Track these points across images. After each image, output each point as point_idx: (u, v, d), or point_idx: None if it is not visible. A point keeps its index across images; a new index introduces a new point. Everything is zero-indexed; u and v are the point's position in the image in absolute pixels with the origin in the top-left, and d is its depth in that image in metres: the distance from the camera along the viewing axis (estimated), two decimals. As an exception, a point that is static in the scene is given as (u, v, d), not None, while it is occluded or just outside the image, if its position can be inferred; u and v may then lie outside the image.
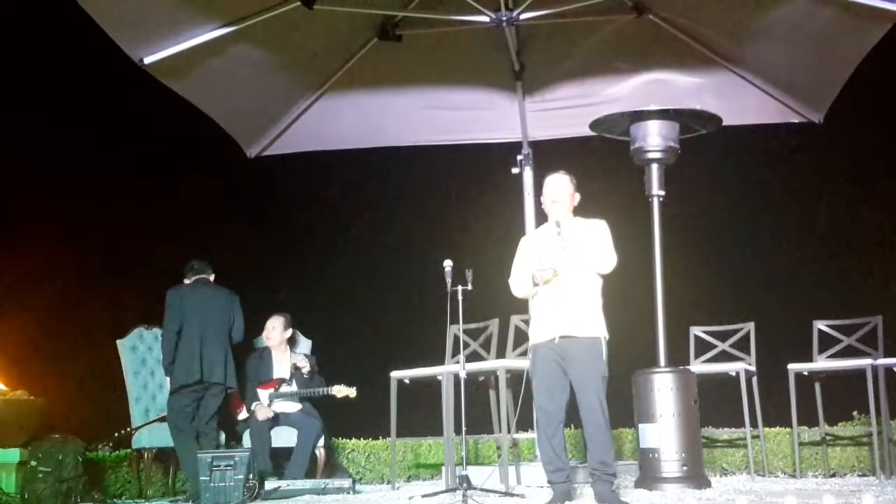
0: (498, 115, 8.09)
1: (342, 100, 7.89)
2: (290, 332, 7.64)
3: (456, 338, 7.01)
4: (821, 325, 7.32)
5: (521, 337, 6.81)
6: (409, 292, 9.03)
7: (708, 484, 6.19)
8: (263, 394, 7.43)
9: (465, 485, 5.82)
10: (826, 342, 7.28)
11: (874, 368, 6.92)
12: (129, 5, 6.27)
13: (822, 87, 7.38)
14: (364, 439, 8.33)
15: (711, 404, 7.07)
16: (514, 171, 7.56)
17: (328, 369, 7.64)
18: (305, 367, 7.50)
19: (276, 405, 7.41)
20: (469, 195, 9.21)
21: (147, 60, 6.53)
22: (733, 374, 7.19)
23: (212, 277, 7.24)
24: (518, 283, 5.65)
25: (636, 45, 7.58)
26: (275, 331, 7.55)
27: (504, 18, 6.96)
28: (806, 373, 7.23)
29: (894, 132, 8.35)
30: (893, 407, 7.00)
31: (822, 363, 7.22)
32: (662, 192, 6.45)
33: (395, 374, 7.10)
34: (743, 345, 7.39)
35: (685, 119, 6.53)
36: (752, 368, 7.27)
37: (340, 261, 9.57)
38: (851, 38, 6.71)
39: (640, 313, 6.58)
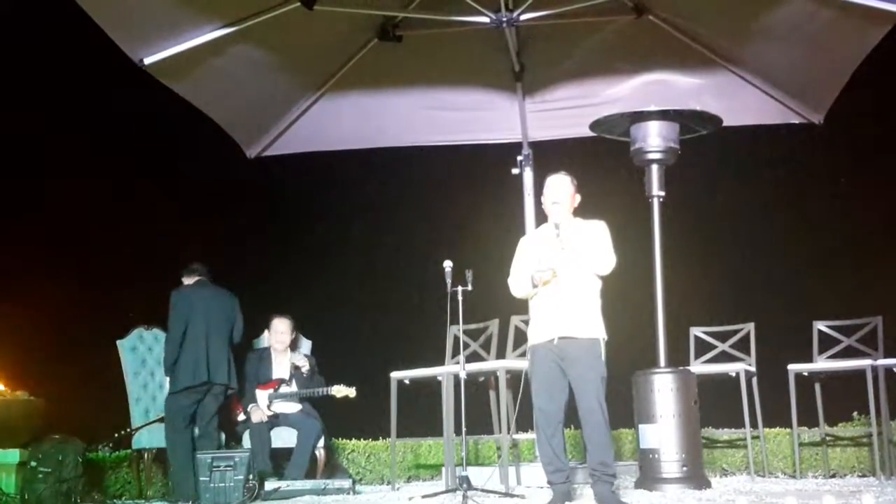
0: (498, 116, 8.10)
1: (342, 100, 7.89)
2: (294, 334, 7.64)
3: (456, 338, 7.01)
4: (821, 325, 7.32)
5: (521, 337, 6.81)
6: (409, 293, 9.03)
7: (708, 484, 6.19)
8: (262, 394, 7.43)
9: (465, 485, 5.82)
10: (826, 343, 7.28)
11: (874, 369, 6.92)
12: (128, 6, 6.27)
13: (822, 87, 7.38)
14: (364, 440, 8.33)
15: (711, 405, 7.07)
16: (515, 171, 7.57)
17: (328, 370, 7.64)
18: (305, 365, 7.50)
19: (275, 406, 7.41)
20: (469, 196, 9.21)
21: (147, 61, 6.53)
22: (733, 374, 7.18)
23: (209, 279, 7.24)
24: (517, 284, 5.66)
25: (636, 46, 7.58)
26: (284, 334, 7.55)
27: (504, 19, 6.97)
28: (806, 373, 7.23)
29: (894, 133, 8.35)
30: (893, 407, 6.99)
31: (822, 364, 7.22)
32: (662, 193, 6.45)
33: (395, 375, 7.10)
34: (743, 345, 7.39)
35: (685, 120, 6.53)
36: (752, 369, 7.27)
37: (340, 261, 9.58)
38: (851, 38, 6.71)
39: (640, 314, 6.58)
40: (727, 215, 9.09)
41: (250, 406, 7.34)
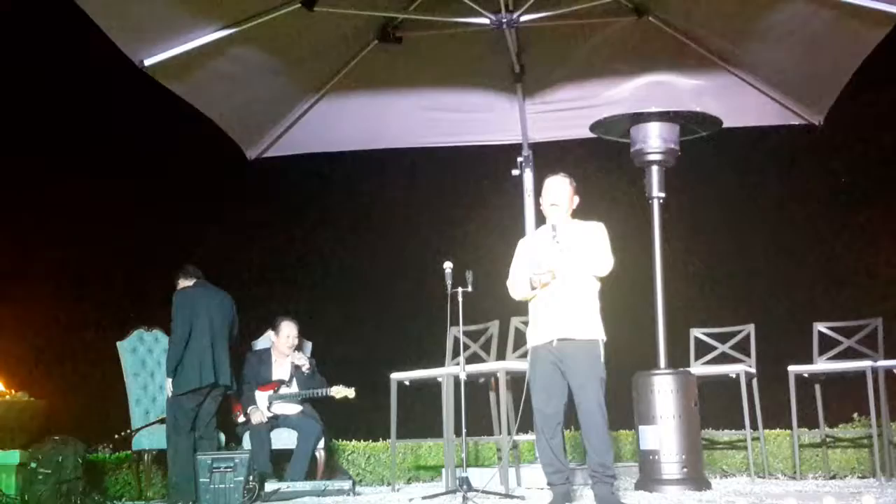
0: (498, 117, 8.10)
1: (343, 102, 7.89)
2: (299, 338, 7.65)
3: (456, 339, 7.01)
4: (821, 326, 7.32)
5: (522, 339, 6.81)
6: (410, 294, 9.03)
7: (708, 486, 6.19)
8: (262, 395, 7.43)
9: (465, 486, 5.83)
10: (826, 344, 7.27)
11: (874, 370, 6.92)
12: (129, 7, 6.27)
13: (822, 88, 7.38)
14: (364, 441, 8.33)
15: (711, 406, 7.08)
16: (515, 172, 7.56)
17: (328, 371, 7.64)
18: (305, 364, 7.50)
19: (275, 407, 7.41)
20: (469, 197, 9.23)
21: (147, 62, 6.53)
22: (733, 375, 7.18)
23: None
24: (516, 287, 5.66)
25: (636, 47, 7.58)
26: (293, 337, 7.54)
27: (504, 20, 6.97)
28: (806, 374, 7.22)
29: (894, 134, 8.36)
30: (893, 409, 6.99)
31: (822, 365, 7.22)
32: (662, 194, 6.45)
33: (396, 376, 7.10)
34: (743, 346, 7.38)
35: (685, 121, 6.53)
36: (753, 370, 7.26)
37: (341, 262, 9.59)
38: (851, 39, 6.72)
39: (640, 315, 6.58)
40: (727, 216, 9.09)
41: (250, 408, 7.34)
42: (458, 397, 6.17)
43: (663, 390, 6.18)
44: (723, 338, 7.49)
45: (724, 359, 7.42)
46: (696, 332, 7.59)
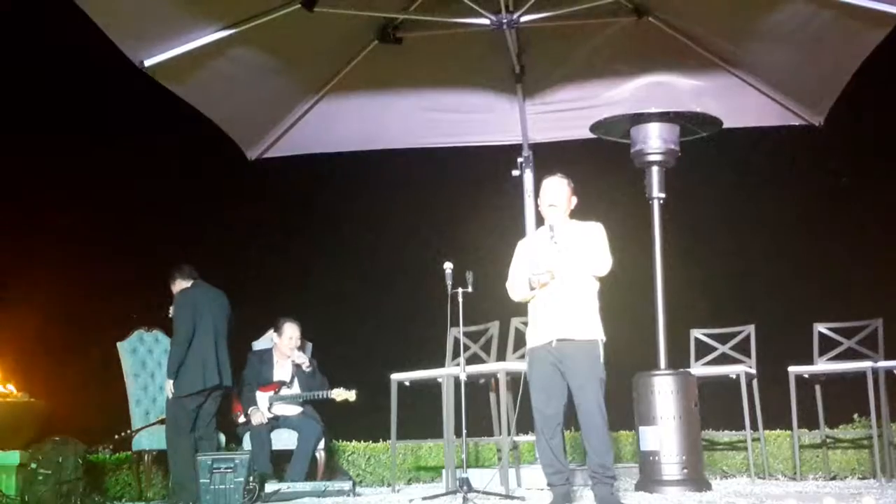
0: (498, 118, 8.10)
1: (343, 102, 7.89)
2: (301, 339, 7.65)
3: (456, 340, 7.01)
4: (821, 327, 7.31)
5: (522, 339, 6.80)
6: (410, 294, 9.03)
7: (708, 487, 6.19)
8: (263, 396, 7.43)
9: (465, 487, 5.83)
10: (826, 345, 7.27)
11: (874, 371, 6.92)
12: (129, 7, 6.27)
13: (822, 89, 7.38)
14: (364, 442, 8.33)
15: (712, 407, 7.07)
16: (515, 173, 7.55)
17: (329, 371, 7.64)
18: (305, 362, 7.49)
19: (276, 408, 7.40)
20: (469, 198, 9.22)
21: (147, 63, 6.52)
22: (734, 376, 7.18)
23: None
24: (515, 288, 5.66)
25: (636, 48, 7.58)
26: (296, 339, 7.54)
27: (505, 21, 6.97)
28: (806, 375, 7.22)
29: (894, 135, 8.35)
30: (894, 409, 6.99)
31: (822, 366, 7.22)
32: (663, 195, 6.45)
33: (396, 377, 7.10)
34: (743, 347, 7.38)
35: (685, 121, 6.53)
36: (753, 371, 7.26)
37: (340, 263, 9.58)
38: (852, 40, 6.72)
39: (640, 316, 6.58)
40: (727, 217, 9.09)
41: (251, 408, 7.34)
42: (459, 398, 6.17)
43: (663, 391, 6.18)
44: (723, 338, 7.49)
45: (724, 359, 7.42)
46: (697, 333, 7.59)
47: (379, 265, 9.53)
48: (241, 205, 9.44)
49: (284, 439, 7.34)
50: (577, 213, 5.68)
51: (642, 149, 6.44)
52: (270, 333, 7.70)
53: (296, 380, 7.51)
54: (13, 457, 6.84)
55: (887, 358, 6.99)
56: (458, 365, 6.54)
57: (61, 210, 8.78)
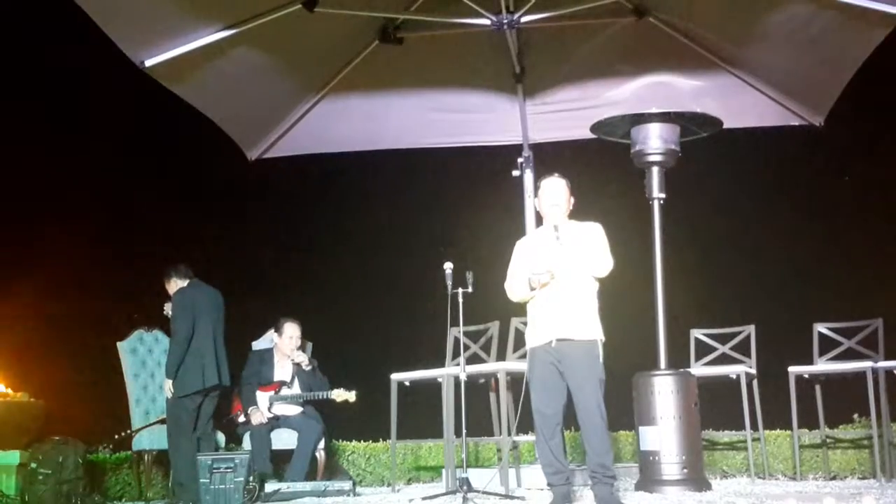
0: (498, 118, 8.10)
1: (343, 102, 7.89)
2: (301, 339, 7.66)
3: (456, 340, 7.01)
4: (821, 327, 7.31)
5: (522, 339, 6.80)
6: (410, 294, 9.03)
7: (708, 487, 6.19)
8: (263, 396, 7.43)
9: (465, 487, 5.83)
10: (826, 345, 7.27)
11: (874, 371, 6.91)
12: (129, 8, 6.27)
13: (822, 89, 7.38)
14: (364, 441, 8.33)
15: (712, 407, 7.07)
16: (515, 173, 7.56)
17: (329, 371, 7.65)
18: (305, 361, 7.49)
19: (276, 408, 7.41)
20: (469, 198, 9.22)
21: (148, 63, 6.52)
22: (734, 376, 7.18)
23: None
24: (515, 288, 5.64)
25: (637, 48, 7.58)
26: (297, 339, 7.54)
27: (505, 21, 6.98)
28: (806, 375, 7.22)
29: (894, 135, 8.35)
30: (894, 410, 6.99)
31: (822, 366, 7.22)
32: (663, 195, 6.45)
33: (396, 377, 7.10)
34: (743, 347, 7.38)
35: (686, 122, 6.53)
36: (753, 371, 7.26)
37: (340, 263, 9.58)
38: (852, 40, 6.72)
39: (640, 316, 6.58)
40: (728, 217, 9.09)
41: (251, 408, 7.34)
42: (459, 398, 6.18)
43: (663, 391, 6.18)
44: (723, 338, 7.49)
45: (724, 359, 7.42)
46: (697, 333, 7.59)
47: (379, 265, 9.54)
48: (242, 205, 9.45)
49: (284, 439, 7.34)
50: (575, 213, 5.68)
51: (642, 149, 6.44)
52: (271, 333, 7.71)
53: (296, 380, 7.52)
54: (13, 456, 6.85)
55: (887, 358, 6.99)
56: (458, 365, 6.54)
57: (61, 210, 8.78)
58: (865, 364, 6.96)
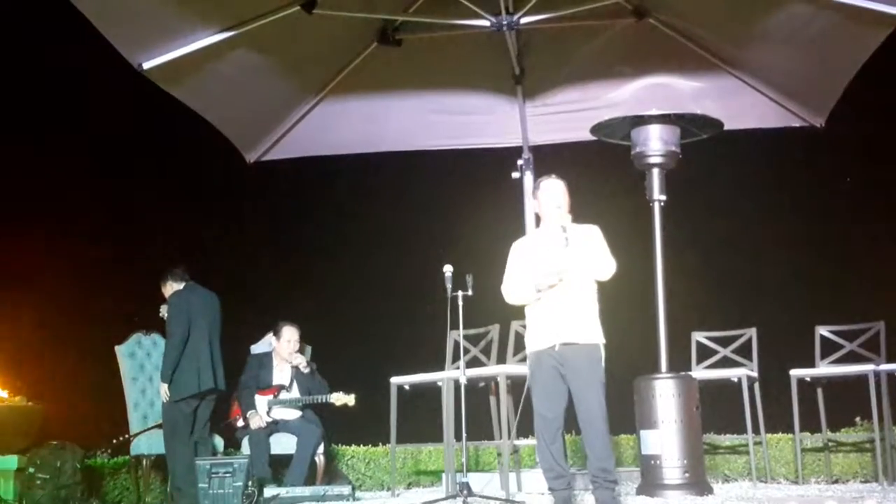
0: (498, 120, 8.08)
1: (342, 104, 7.87)
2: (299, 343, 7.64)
3: (456, 343, 6.98)
4: (823, 330, 7.29)
5: (522, 343, 6.76)
6: (409, 297, 9.01)
7: (710, 490, 6.16)
8: (262, 400, 7.40)
9: (465, 491, 5.79)
10: (828, 348, 7.25)
11: (876, 374, 6.89)
12: (127, 10, 6.24)
13: (823, 90, 7.36)
14: (364, 446, 8.31)
15: (713, 410, 7.05)
16: (515, 175, 7.53)
17: (328, 375, 7.62)
18: (303, 363, 7.47)
19: (275, 412, 7.38)
20: (469, 200, 9.20)
21: (146, 65, 6.50)
22: (735, 380, 7.15)
23: None
24: (516, 290, 5.56)
25: (637, 50, 7.56)
26: (292, 342, 7.52)
27: (504, 23, 6.96)
28: (808, 379, 7.19)
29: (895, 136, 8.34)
30: (896, 413, 6.97)
31: (824, 369, 7.19)
32: (663, 197, 6.42)
33: (395, 380, 7.07)
34: (745, 351, 7.35)
35: (686, 123, 6.51)
36: (754, 374, 7.24)
37: (340, 265, 9.57)
38: (853, 41, 6.69)
39: (641, 319, 6.55)
40: (728, 219, 9.07)
41: (249, 412, 7.31)
42: (458, 401, 6.14)
43: (665, 394, 6.15)
44: (724, 342, 7.46)
45: (725, 363, 7.39)
46: (698, 336, 7.57)
47: (378, 268, 9.52)
48: (241, 207, 9.44)
49: (284, 443, 7.31)
50: (574, 215, 5.63)
51: (643, 151, 6.42)
52: (269, 337, 7.68)
53: (295, 383, 7.49)
54: (11, 461, 6.83)
55: (889, 361, 6.97)
56: (457, 368, 6.51)
57: (59, 213, 8.77)
58: (867, 367, 6.93)
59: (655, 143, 6.39)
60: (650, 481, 6.12)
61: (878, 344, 7.07)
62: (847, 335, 7.21)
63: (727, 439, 7.81)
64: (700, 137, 6.71)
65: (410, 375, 7.05)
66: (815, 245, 8.83)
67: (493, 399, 7.07)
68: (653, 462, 6.11)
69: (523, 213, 7.44)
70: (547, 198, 5.58)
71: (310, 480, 7.18)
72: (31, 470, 6.68)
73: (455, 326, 6.30)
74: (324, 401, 7.37)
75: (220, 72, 6.93)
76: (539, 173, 7.23)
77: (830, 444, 7.46)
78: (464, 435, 6.03)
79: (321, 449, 7.33)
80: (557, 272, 5.37)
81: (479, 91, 7.98)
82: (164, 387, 6.91)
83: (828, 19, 6.59)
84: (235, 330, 7.29)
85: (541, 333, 5.45)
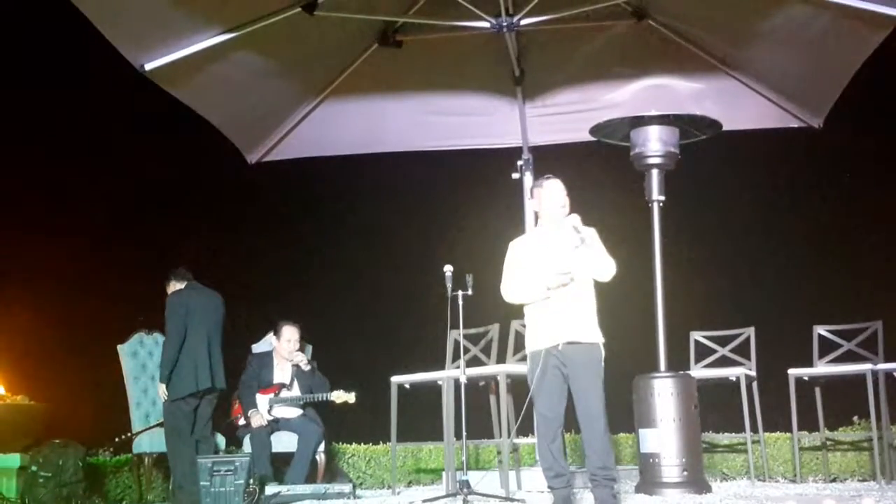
0: (498, 121, 8.11)
1: (343, 106, 7.90)
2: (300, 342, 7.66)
3: (456, 342, 7.01)
4: (821, 329, 7.31)
5: (522, 342, 6.79)
6: (410, 297, 9.03)
7: (708, 489, 6.19)
8: (263, 399, 7.43)
9: (465, 490, 5.82)
10: (826, 347, 7.27)
11: (874, 373, 6.91)
12: (129, 12, 6.27)
13: (821, 91, 7.39)
14: (364, 444, 8.33)
15: (712, 409, 7.08)
16: (515, 176, 7.56)
17: (328, 374, 7.64)
18: (303, 360, 7.49)
19: (276, 410, 7.41)
20: (469, 200, 9.23)
21: (148, 67, 6.53)
22: (733, 378, 7.18)
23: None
24: (521, 289, 5.55)
25: (636, 51, 7.59)
26: (295, 342, 7.54)
27: (504, 24, 6.99)
28: (806, 378, 7.22)
29: (894, 136, 8.36)
30: (894, 412, 6.99)
31: (822, 368, 7.21)
32: (662, 198, 6.45)
33: (396, 379, 7.10)
34: (743, 350, 7.38)
35: (685, 124, 6.54)
36: (753, 373, 7.26)
37: (340, 265, 9.59)
38: (851, 42, 6.72)
39: (640, 318, 6.58)
40: (727, 219, 9.09)
41: (250, 411, 7.34)
42: (459, 400, 6.17)
43: (663, 393, 6.18)
44: (723, 341, 7.48)
45: (724, 362, 7.41)
46: (697, 336, 7.59)
47: (379, 267, 9.55)
48: (241, 208, 9.46)
49: (285, 442, 7.34)
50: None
51: (642, 151, 6.45)
52: (270, 337, 7.71)
53: (295, 382, 7.51)
54: (14, 459, 6.85)
55: (887, 360, 6.99)
56: (458, 367, 6.54)
57: (62, 212, 8.79)
58: (865, 366, 6.95)
59: (654, 143, 6.42)
60: (649, 479, 6.15)
61: (876, 343, 7.09)
62: (845, 334, 7.23)
63: (725, 438, 7.84)
64: (699, 138, 6.74)
65: (411, 374, 7.08)
66: (813, 244, 8.85)
67: (492, 398, 7.10)
68: (651, 460, 6.14)
69: (523, 213, 7.46)
70: (551, 198, 5.59)
71: (311, 478, 7.20)
72: (34, 468, 6.70)
73: (455, 326, 6.33)
74: (324, 399, 7.39)
75: (222, 73, 6.96)
76: (539, 174, 7.28)
77: (828, 442, 7.49)
78: (464, 433, 6.06)
79: (322, 447, 7.35)
80: (569, 272, 5.40)
81: (480, 92, 8.01)
82: (162, 387, 6.94)
83: (826, 20, 6.62)
84: (236, 329, 7.31)
85: (544, 333, 5.45)
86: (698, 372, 7.24)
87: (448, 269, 6.12)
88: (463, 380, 6.12)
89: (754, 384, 7.25)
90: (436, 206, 9.41)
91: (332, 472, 7.67)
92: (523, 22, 7.02)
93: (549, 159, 7.72)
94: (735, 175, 8.82)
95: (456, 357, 7.08)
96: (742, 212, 9.11)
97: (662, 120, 6.43)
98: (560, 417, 5.45)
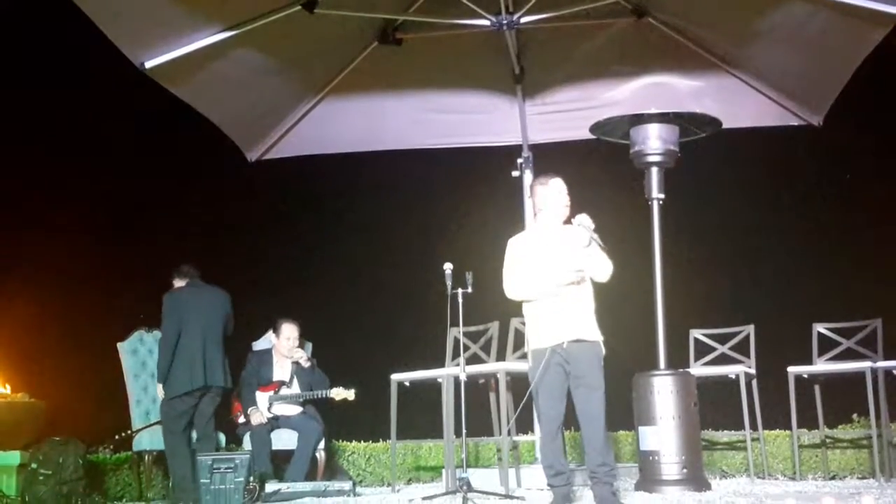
0: (498, 119, 8.11)
1: (343, 103, 7.91)
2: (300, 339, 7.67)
3: (456, 340, 7.02)
4: (820, 327, 7.32)
5: (522, 340, 6.81)
6: (410, 295, 9.04)
7: (708, 486, 6.20)
8: (262, 396, 7.44)
9: (465, 487, 5.83)
10: (826, 345, 7.28)
11: (874, 371, 6.92)
12: (130, 10, 6.28)
13: (821, 89, 7.40)
14: (364, 442, 8.34)
15: (711, 407, 7.08)
16: (515, 174, 7.57)
17: (328, 372, 7.65)
18: (303, 357, 7.50)
19: (276, 408, 7.41)
20: (469, 198, 9.22)
21: (148, 65, 6.53)
22: (733, 376, 7.19)
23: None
24: (526, 286, 5.53)
25: (636, 49, 7.59)
26: (294, 339, 7.55)
27: (504, 22, 6.99)
28: (805, 375, 7.23)
29: (893, 134, 8.36)
30: (893, 409, 6.99)
31: (821, 366, 7.22)
32: (662, 195, 6.46)
33: (396, 377, 7.11)
34: (743, 347, 7.39)
35: (685, 122, 6.54)
36: (752, 371, 7.27)
37: (340, 263, 9.59)
38: (851, 40, 6.72)
39: (640, 316, 6.58)
40: (727, 217, 9.09)
41: (250, 408, 7.35)
42: (458, 398, 6.18)
43: (663, 391, 6.19)
44: (722, 339, 7.49)
45: (723, 360, 7.43)
46: (696, 333, 7.60)
47: (378, 265, 9.55)
48: (241, 205, 9.46)
49: (284, 439, 7.35)
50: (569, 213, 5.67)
51: (642, 149, 6.45)
52: (269, 334, 7.71)
53: (295, 379, 7.52)
54: (14, 457, 6.86)
55: (886, 358, 7.00)
56: (457, 365, 6.55)
57: (62, 210, 8.79)
58: (864, 364, 6.96)
59: (654, 141, 6.42)
60: (648, 477, 6.15)
61: (876, 341, 7.10)
62: (844, 332, 7.24)
63: (725, 436, 7.85)
64: (699, 136, 6.75)
65: (411, 372, 7.09)
66: (812, 242, 8.85)
67: (492, 395, 7.11)
68: (651, 458, 6.15)
69: (523, 210, 7.47)
70: (555, 196, 5.60)
71: (310, 476, 7.22)
72: (34, 465, 6.69)
73: (455, 323, 6.34)
74: (324, 396, 7.40)
75: (222, 71, 6.96)
76: (538, 172, 7.29)
77: (828, 440, 7.49)
78: (464, 431, 6.06)
79: (322, 445, 7.37)
80: (582, 269, 5.41)
81: (479, 90, 8.01)
82: (160, 386, 6.95)
83: (825, 18, 6.62)
84: (237, 327, 7.31)
85: (548, 331, 5.45)
86: (698, 370, 7.25)
87: (448, 266, 6.13)
88: (463, 377, 6.13)
89: (754, 382, 7.26)
90: (436, 203, 9.41)
91: (332, 470, 7.68)
92: (523, 20, 7.02)
93: (549, 157, 7.72)
94: (735, 173, 8.82)
95: (456, 354, 7.09)
96: (742, 210, 9.11)
97: (662, 118, 6.43)
98: (561, 416, 5.46)
